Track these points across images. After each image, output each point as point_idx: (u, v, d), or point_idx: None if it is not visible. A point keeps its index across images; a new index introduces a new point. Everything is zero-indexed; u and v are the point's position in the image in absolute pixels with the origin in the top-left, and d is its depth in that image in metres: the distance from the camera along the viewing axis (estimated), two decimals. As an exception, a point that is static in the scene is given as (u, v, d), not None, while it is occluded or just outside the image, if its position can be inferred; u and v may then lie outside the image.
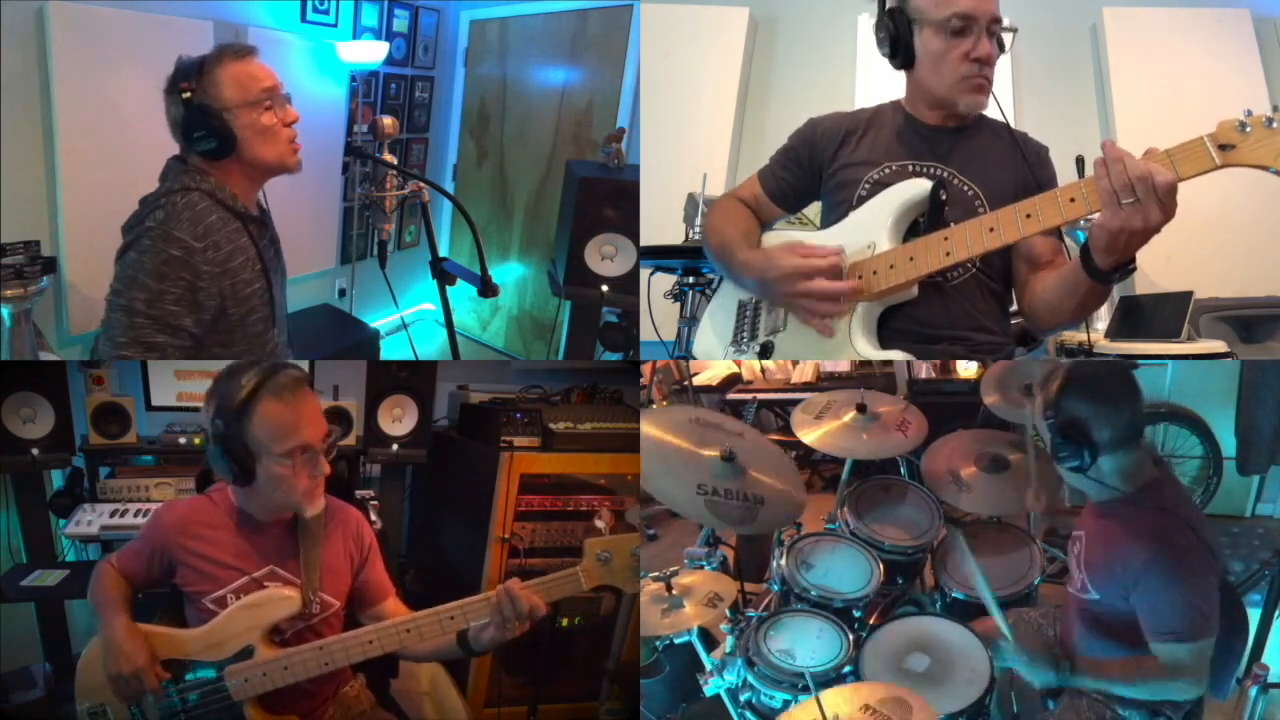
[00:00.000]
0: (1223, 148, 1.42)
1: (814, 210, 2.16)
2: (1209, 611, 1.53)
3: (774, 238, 2.02)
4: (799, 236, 2.00)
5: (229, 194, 1.83)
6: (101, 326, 1.79)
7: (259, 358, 1.67)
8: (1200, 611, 1.53)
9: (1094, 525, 1.70)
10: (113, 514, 2.58)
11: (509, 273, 4.49)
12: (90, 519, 2.55)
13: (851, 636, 1.91)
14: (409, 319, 4.05)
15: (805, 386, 4.00)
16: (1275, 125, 1.39)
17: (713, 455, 2.05)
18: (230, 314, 1.84)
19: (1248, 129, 1.41)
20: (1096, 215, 1.51)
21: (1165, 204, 1.43)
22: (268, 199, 2.01)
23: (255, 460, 1.57)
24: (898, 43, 1.86)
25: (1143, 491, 1.63)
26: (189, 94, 1.78)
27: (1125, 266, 1.56)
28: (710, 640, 1.93)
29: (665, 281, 3.05)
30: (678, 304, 3.08)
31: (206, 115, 1.77)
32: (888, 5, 1.88)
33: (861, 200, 1.87)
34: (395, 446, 2.79)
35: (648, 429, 2.06)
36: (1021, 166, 1.86)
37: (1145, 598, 1.56)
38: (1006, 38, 1.83)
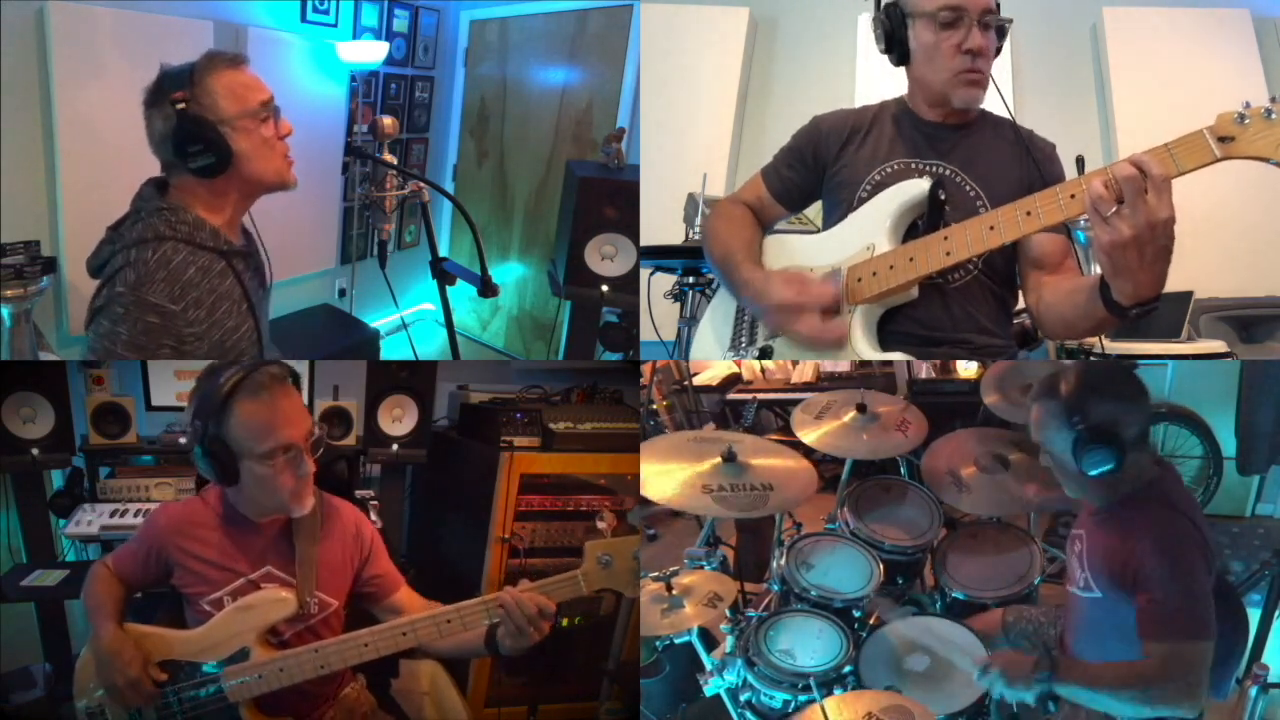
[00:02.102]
0: (1222, 140, 1.42)
1: (814, 211, 2.16)
2: (1206, 612, 1.51)
3: (775, 244, 2.02)
4: (799, 239, 2.00)
5: (209, 231, 1.67)
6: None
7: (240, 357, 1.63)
8: (1198, 610, 1.50)
9: (1095, 523, 1.68)
10: (113, 514, 2.58)
11: (509, 273, 4.49)
12: (90, 519, 2.55)
13: (851, 636, 1.92)
14: (409, 319, 4.05)
15: (805, 386, 3.99)
16: (1274, 117, 1.39)
17: (714, 462, 2.05)
18: (215, 361, 1.69)
19: (1247, 121, 1.40)
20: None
21: (1158, 199, 1.37)
22: (252, 215, 1.86)
23: (238, 461, 1.56)
24: (893, 38, 1.86)
25: (1146, 488, 1.62)
26: (184, 104, 1.61)
27: (1145, 304, 1.49)
28: (710, 640, 1.93)
29: (665, 281, 3.05)
30: (678, 304, 3.08)
31: (202, 128, 1.62)
32: (884, 0, 1.88)
33: (862, 201, 1.86)
34: (395, 446, 2.79)
35: (647, 457, 2.07)
36: (1028, 164, 1.84)
37: (1145, 593, 1.53)
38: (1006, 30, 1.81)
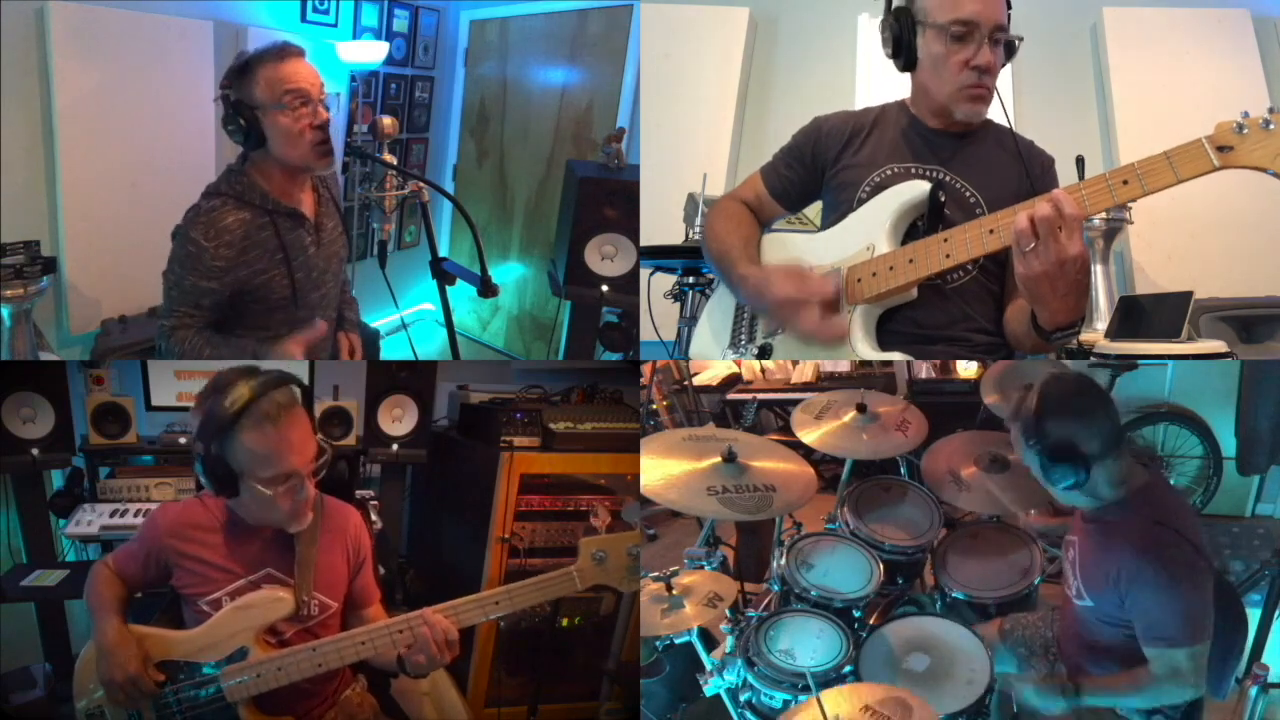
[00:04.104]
0: (1221, 149, 1.43)
1: (813, 211, 2.16)
2: (1203, 616, 1.53)
3: (775, 243, 2.02)
4: (799, 238, 2.00)
5: (260, 193, 1.97)
6: None
7: (251, 369, 1.62)
8: (1195, 616, 1.53)
9: (1086, 531, 1.70)
10: (113, 514, 2.58)
11: (509, 273, 4.49)
12: (90, 519, 2.55)
13: (851, 636, 1.92)
14: (409, 319, 4.04)
15: (805, 386, 4.00)
16: (1273, 127, 1.41)
17: (714, 461, 2.05)
18: (249, 291, 2.00)
19: (1245, 130, 1.42)
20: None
21: (1069, 238, 1.46)
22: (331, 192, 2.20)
23: (239, 479, 1.55)
24: (900, 43, 1.86)
25: (1134, 496, 1.62)
26: (227, 90, 1.95)
27: (1066, 330, 1.60)
28: (710, 640, 1.93)
29: (665, 281, 3.05)
30: (678, 304, 3.08)
31: (238, 112, 1.93)
32: (894, 4, 1.87)
33: (861, 202, 1.86)
34: (395, 446, 2.79)
35: (646, 457, 2.07)
36: (1023, 179, 1.84)
37: (1139, 605, 1.56)
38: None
